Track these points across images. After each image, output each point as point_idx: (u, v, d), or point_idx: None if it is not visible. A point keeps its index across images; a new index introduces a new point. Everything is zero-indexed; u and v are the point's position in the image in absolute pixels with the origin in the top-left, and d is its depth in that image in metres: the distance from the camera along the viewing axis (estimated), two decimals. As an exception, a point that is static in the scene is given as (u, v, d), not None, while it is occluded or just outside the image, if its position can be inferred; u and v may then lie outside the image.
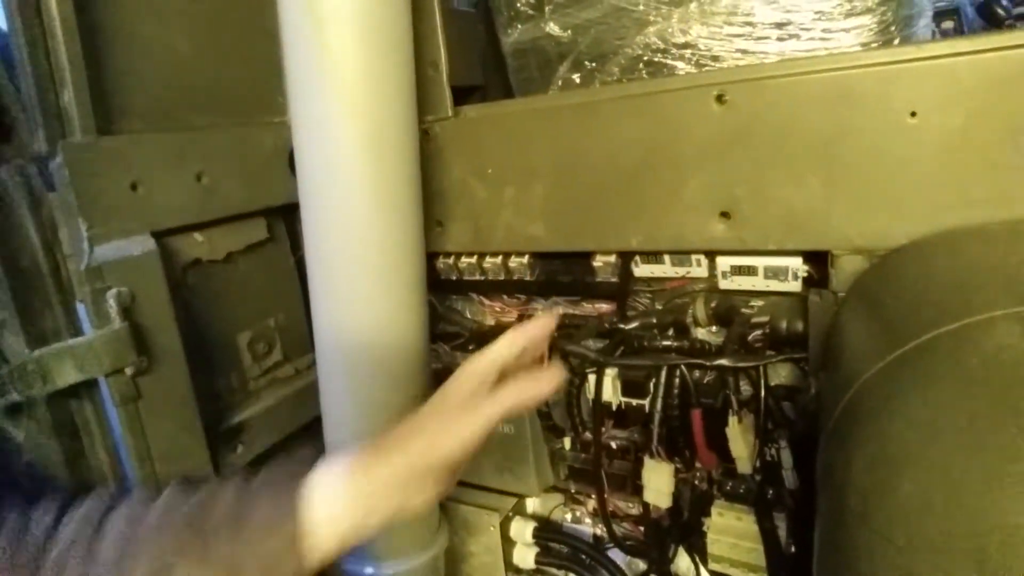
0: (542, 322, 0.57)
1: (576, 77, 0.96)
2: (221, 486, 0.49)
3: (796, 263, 0.63)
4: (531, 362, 0.56)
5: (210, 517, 0.47)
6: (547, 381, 0.51)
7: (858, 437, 0.36)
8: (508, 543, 0.89)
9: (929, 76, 0.53)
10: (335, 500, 0.46)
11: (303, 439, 0.82)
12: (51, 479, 0.57)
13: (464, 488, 0.92)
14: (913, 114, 0.54)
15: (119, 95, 0.64)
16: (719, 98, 0.61)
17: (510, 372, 0.53)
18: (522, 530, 0.88)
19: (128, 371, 0.59)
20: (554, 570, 0.90)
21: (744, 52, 0.88)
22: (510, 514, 0.89)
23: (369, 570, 0.73)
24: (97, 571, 0.45)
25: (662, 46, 0.92)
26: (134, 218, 0.62)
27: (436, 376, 0.82)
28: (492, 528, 0.87)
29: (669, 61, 0.92)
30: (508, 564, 0.90)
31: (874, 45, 0.77)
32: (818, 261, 0.62)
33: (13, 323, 0.56)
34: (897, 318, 0.43)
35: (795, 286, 0.64)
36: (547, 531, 0.88)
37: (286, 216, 0.83)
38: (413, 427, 0.50)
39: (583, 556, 0.85)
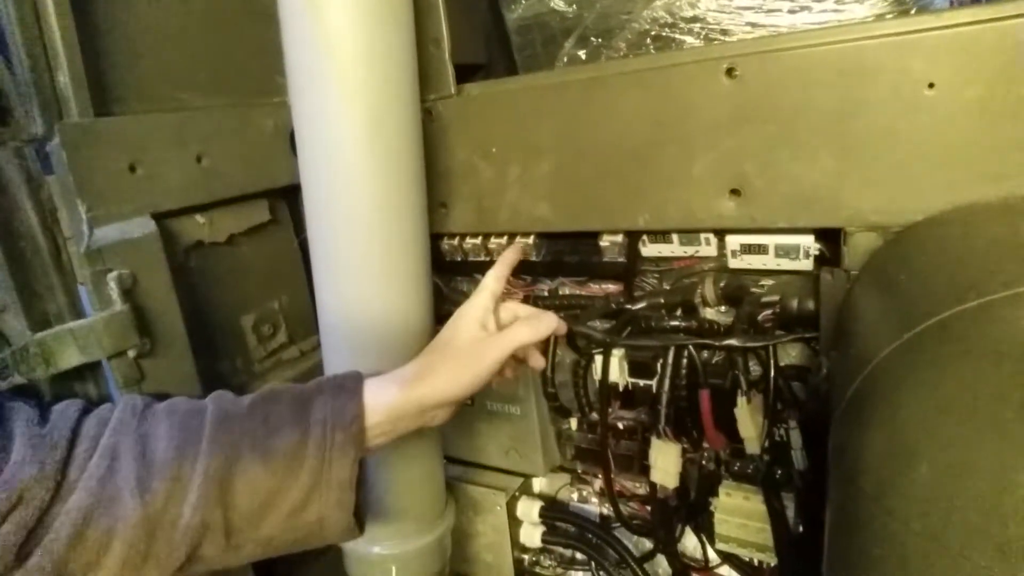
0: (513, 249, 0.69)
1: (582, 53, 0.94)
2: (275, 389, 0.54)
3: (808, 241, 0.62)
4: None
5: (273, 412, 0.51)
6: (546, 320, 0.60)
7: (872, 418, 0.35)
8: (515, 522, 0.89)
9: (948, 46, 0.51)
10: (382, 413, 0.53)
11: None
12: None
13: (471, 468, 0.92)
14: (931, 86, 0.52)
15: (116, 76, 0.63)
16: (729, 72, 0.60)
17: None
18: (529, 509, 0.89)
19: (131, 353, 0.59)
20: (561, 549, 0.91)
21: (754, 25, 0.86)
22: (517, 494, 0.89)
23: (376, 549, 0.73)
24: (155, 455, 0.47)
25: (670, 20, 0.90)
26: (134, 200, 0.61)
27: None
28: (499, 508, 0.88)
29: (677, 35, 0.90)
30: (515, 543, 0.90)
31: (890, 15, 0.75)
32: (830, 239, 0.61)
33: (15, 306, 0.56)
34: (913, 296, 0.42)
35: (807, 264, 0.63)
36: (554, 511, 0.88)
37: (289, 197, 0.82)
38: (429, 365, 0.57)
39: (589, 535, 0.85)
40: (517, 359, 0.64)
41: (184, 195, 0.67)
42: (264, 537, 0.49)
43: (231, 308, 0.76)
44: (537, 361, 0.66)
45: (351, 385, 0.53)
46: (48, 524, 0.42)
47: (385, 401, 0.53)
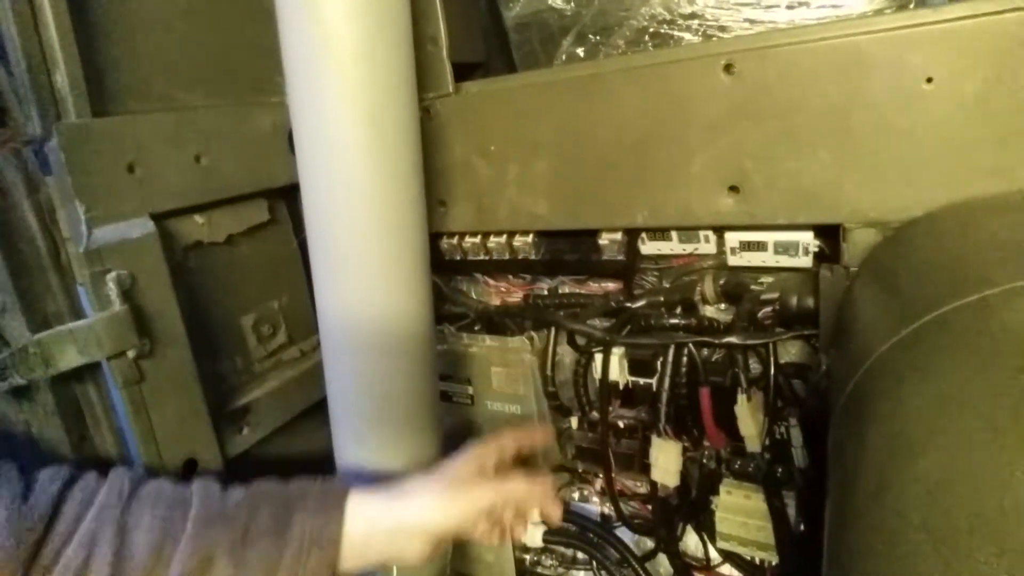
0: (541, 433, 0.65)
1: (580, 51, 0.94)
2: (261, 490, 0.53)
3: (807, 238, 0.61)
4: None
5: (254, 520, 0.50)
6: (539, 489, 0.58)
7: (872, 414, 0.34)
8: (516, 522, 0.89)
9: (946, 40, 0.51)
10: (361, 528, 0.52)
11: (309, 421, 0.82)
12: (56, 460, 0.56)
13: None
14: (929, 80, 0.52)
15: (114, 76, 0.63)
16: (727, 68, 0.59)
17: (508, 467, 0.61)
18: (530, 510, 0.88)
19: (130, 354, 0.59)
20: (562, 548, 0.91)
21: (752, 22, 0.86)
22: (518, 494, 0.89)
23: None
24: (133, 549, 0.47)
25: (668, 17, 0.90)
26: (132, 200, 0.61)
27: (441, 357, 0.81)
28: (500, 508, 0.87)
29: (675, 32, 0.90)
30: (516, 543, 0.90)
31: (888, 10, 0.74)
32: (829, 235, 0.61)
33: (14, 307, 0.56)
34: (912, 291, 0.42)
35: (806, 261, 0.63)
36: (555, 510, 0.88)
37: (288, 197, 0.82)
38: (418, 487, 0.56)
39: (591, 535, 0.85)
40: (501, 526, 0.61)
41: (183, 195, 0.67)
42: None
43: (231, 308, 0.76)
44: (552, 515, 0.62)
45: (335, 500, 0.53)
46: None
47: (365, 515, 0.53)
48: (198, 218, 0.70)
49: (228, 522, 0.50)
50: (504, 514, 0.59)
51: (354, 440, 0.69)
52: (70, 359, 0.56)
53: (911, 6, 0.66)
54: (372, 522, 0.52)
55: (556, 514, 0.61)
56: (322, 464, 0.70)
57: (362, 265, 0.65)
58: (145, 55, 0.66)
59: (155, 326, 0.62)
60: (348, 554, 0.51)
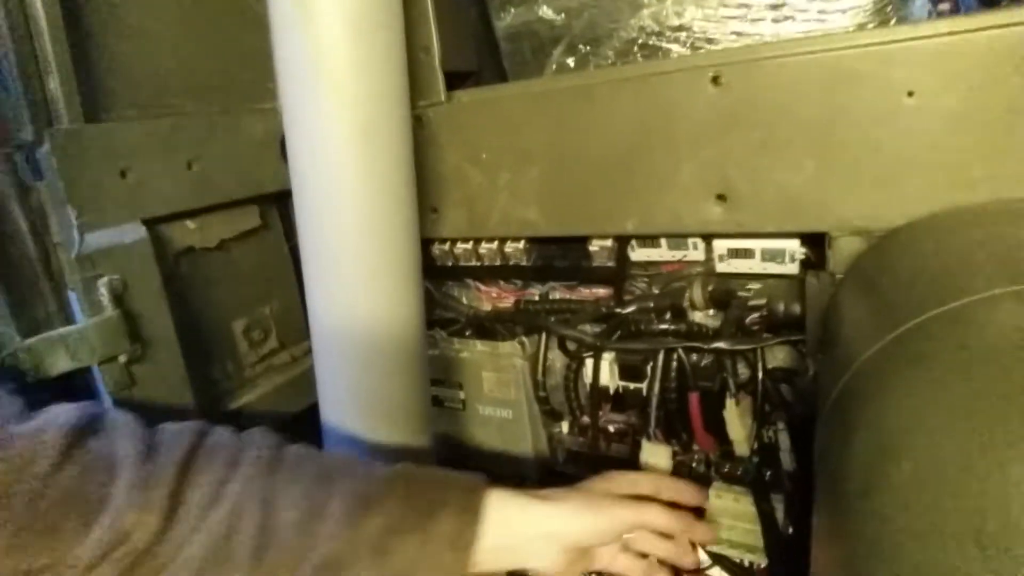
0: (695, 493, 0.62)
1: (570, 61, 0.95)
2: (404, 476, 0.50)
3: (794, 245, 0.63)
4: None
5: (399, 515, 0.47)
6: (683, 523, 0.59)
7: (856, 418, 0.35)
8: (506, 528, 0.89)
9: (927, 55, 0.52)
10: (498, 537, 0.49)
11: (300, 426, 0.82)
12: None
13: (462, 473, 0.92)
14: (910, 94, 0.53)
15: (106, 82, 0.63)
16: (714, 80, 0.61)
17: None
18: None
19: (121, 359, 0.59)
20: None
21: (739, 34, 0.87)
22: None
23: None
24: (278, 526, 0.44)
25: (657, 28, 0.91)
26: (124, 206, 0.61)
27: (432, 362, 0.82)
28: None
29: (664, 44, 0.92)
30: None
31: (871, 25, 0.76)
32: (815, 243, 0.62)
33: (4, 312, 0.55)
34: (895, 298, 0.43)
35: (792, 268, 0.64)
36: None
37: (279, 203, 0.83)
38: (558, 494, 0.54)
39: (581, 539, 0.85)
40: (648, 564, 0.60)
41: (175, 201, 0.67)
42: None
43: (222, 313, 0.76)
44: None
45: (475, 500, 0.50)
46: (154, 569, 0.41)
47: (503, 517, 0.50)
48: (190, 224, 0.70)
49: (374, 513, 0.47)
50: (648, 545, 0.59)
51: (346, 445, 0.69)
52: (61, 364, 0.56)
53: (892, 22, 0.68)
54: (508, 526, 0.50)
55: (709, 537, 0.61)
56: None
57: (354, 270, 0.65)
58: (137, 61, 0.66)
59: (146, 331, 0.62)
60: (481, 558, 0.49)
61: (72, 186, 0.57)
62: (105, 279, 0.58)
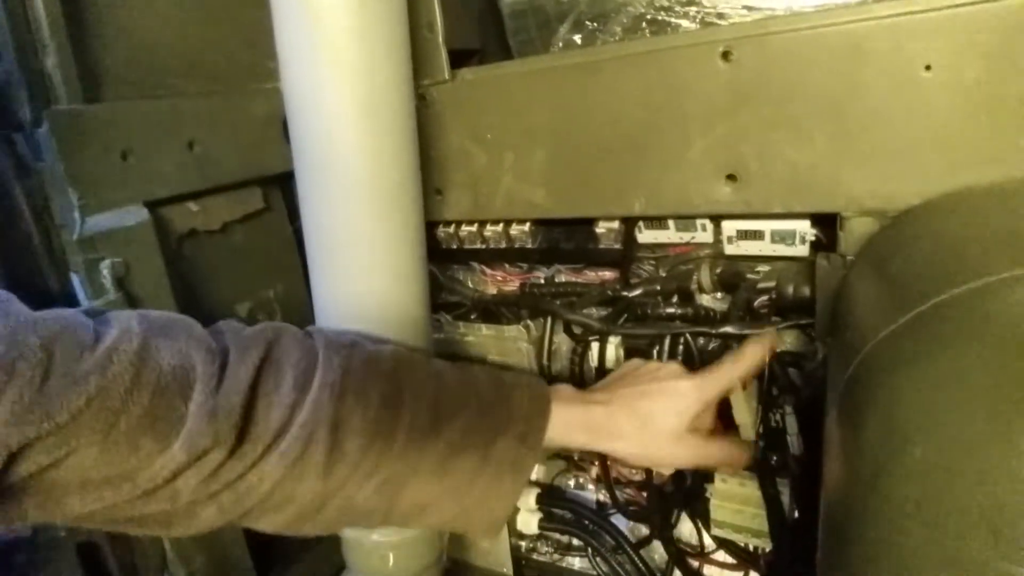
0: (764, 343, 0.61)
1: (577, 38, 0.93)
2: (465, 398, 0.54)
3: (804, 226, 0.61)
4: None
5: (459, 440, 0.52)
6: (739, 460, 0.62)
7: (867, 402, 0.35)
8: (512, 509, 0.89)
9: (946, 26, 0.50)
10: (557, 448, 0.59)
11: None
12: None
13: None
14: (928, 68, 0.51)
15: (106, 62, 0.62)
16: (725, 55, 0.59)
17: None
18: (525, 496, 0.89)
19: (125, 343, 0.59)
20: (558, 535, 0.91)
21: (750, 9, 0.85)
22: (514, 481, 0.89)
23: (374, 536, 0.73)
24: (345, 448, 0.48)
25: (666, 3, 0.89)
26: (126, 187, 0.61)
27: (437, 346, 0.81)
28: (496, 495, 0.88)
29: (673, 19, 0.89)
30: (512, 530, 0.90)
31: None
32: (827, 224, 0.61)
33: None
34: (909, 279, 0.42)
35: (803, 250, 0.63)
36: (550, 497, 0.89)
37: (283, 185, 0.82)
38: (621, 428, 0.58)
39: (586, 522, 0.85)
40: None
41: (177, 182, 0.66)
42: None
43: (226, 296, 0.76)
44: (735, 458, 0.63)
45: (537, 426, 0.55)
46: (234, 485, 0.46)
47: (563, 435, 0.56)
48: (192, 206, 0.70)
49: (438, 436, 0.51)
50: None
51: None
52: (64, 347, 0.56)
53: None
54: (567, 441, 0.56)
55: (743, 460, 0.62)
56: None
57: (358, 253, 0.64)
58: (137, 41, 0.65)
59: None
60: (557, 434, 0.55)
61: (72, 168, 0.56)
62: (107, 262, 0.58)
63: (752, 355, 0.60)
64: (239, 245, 0.77)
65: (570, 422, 0.56)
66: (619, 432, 0.57)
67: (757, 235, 0.64)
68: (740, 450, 0.60)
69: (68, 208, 0.57)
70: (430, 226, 0.80)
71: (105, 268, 0.57)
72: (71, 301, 0.58)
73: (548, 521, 0.88)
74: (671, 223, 0.69)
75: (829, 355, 0.54)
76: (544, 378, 0.80)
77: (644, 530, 0.82)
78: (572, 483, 0.91)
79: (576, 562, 0.92)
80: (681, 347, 0.69)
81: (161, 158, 0.64)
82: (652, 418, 0.57)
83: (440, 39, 0.72)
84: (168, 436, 0.42)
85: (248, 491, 0.46)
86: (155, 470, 0.42)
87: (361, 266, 0.65)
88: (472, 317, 0.86)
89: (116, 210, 0.60)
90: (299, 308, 0.84)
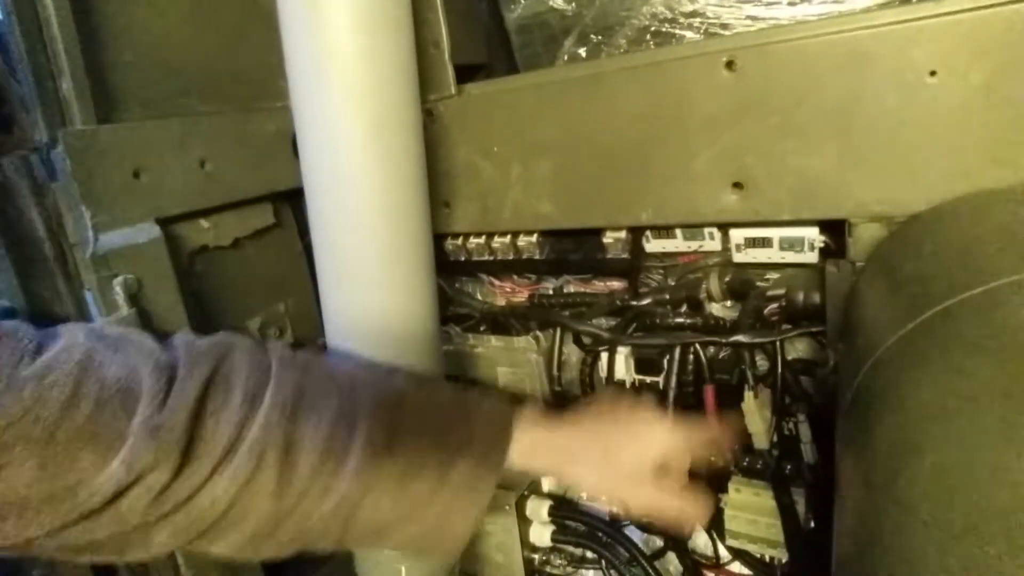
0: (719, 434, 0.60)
1: (582, 51, 0.94)
2: (425, 418, 0.52)
3: (812, 233, 0.61)
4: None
5: (419, 461, 0.50)
6: (699, 513, 0.56)
7: (879, 408, 0.34)
8: (524, 522, 0.89)
9: (950, 32, 0.50)
10: (517, 473, 0.53)
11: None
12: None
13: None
14: (933, 73, 0.51)
15: (119, 83, 0.64)
16: (729, 65, 0.59)
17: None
18: (538, 508, 0.88)
19: (138, 358, 0.59)
20: (571, 548, 0.90)
21: (754, 19, 0.85)
22: (525, 493, 0.89)
23: (387, 550, 0.73)
24: (298, 468, 0.46)
25: (669, 15, 0.89)
26: (138, 205, 0.62)
27: (447, 358, 0.81)
28: (508, 507, 0.87)
29: (677, 31, 0.90)
30: (525, 542, 0.89)
31: (893, 4, 0.74)
32: (835, 231, 0.61)
33: (22, 311, 0.56)
34: (918, 284, 0.42)
35: (811, 257, 0.63)
36: (563, 509, 0.88)
37: (292, 201, 0.83)
38: (586, 457, 0.55)
39: (600, 534, 0.85)
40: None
41: (188, 200, 0.67)
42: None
43: (237, 312, 0.76)
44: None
45: (497, 454, 0.52)
46: (184, 506, 0.43)
47: (525, 460, 0.53)
48: (203, 222, 0.70)
49: (395, 456, 0.49)
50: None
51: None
52: (78, 363, 0.57)
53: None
54: (530, 464, 0.54)
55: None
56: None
57: (367, 267, 0.65)
58: (149, 62, 0.66)
59: (162, 330, 0.62)
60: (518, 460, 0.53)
61: (86, 186, 0.57)
62: (120, 278, 0.58)
63: (722, 438, 0.61)
64: (250, 260, 0.77)
65: (534, 444, 0.53)
66: (582, 458, 0.55)
67: (765, 243, 0.64)
68: (698, 511, 0.56)
69: (82, 226, 0.58)
70: (438, 238, 0.80)
71: (118, 284, 0.58)
72: (85, 318, 0.59)
73: (561, 533, 0.88)
74: (679, 232, 0.70)
75: (840, 362, 0.53)
76: (553, 389, 0.80)
77: (659, 542, 0.82)
78: (585, 495, 0.90)
79: (590, 575, 0.91)
80: (691, 356, 0.69)
81: (173, 176, 0.65)
82: (617, 452, 0.55)
83: (446, 56, 0.73)
84: (108, 451, 0.40)
85: (200, 513, 0.44)
86: (95, 487, 0.40)
87: (370, 280, 0.65)
88: (481, 329, 0.87)
89: (129, 227, 0.61)
90: (309, 322, 0.85)
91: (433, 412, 0.52)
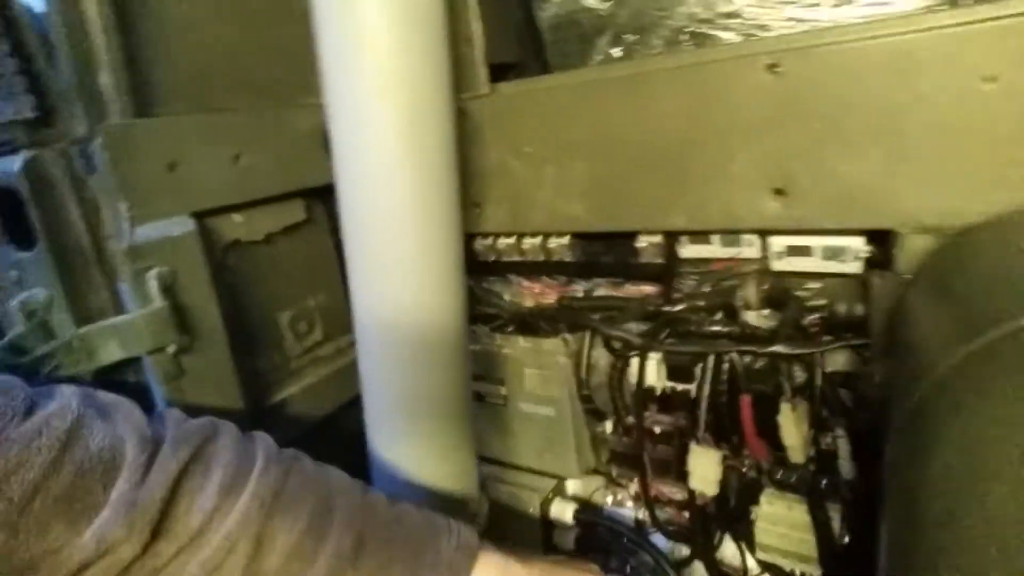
0: None
1: (616, 51, 0.92)
2: (393, 534, 0.51)
3: (858, 243, 0.59)
4: None
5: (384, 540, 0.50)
6: None
7: (937, 432, 0.33)
8: (548, 524, 0.88)
9: (1009, 36, 0.48)
10: (488, 571, 0.53)
11: (344, 417, 0.82)
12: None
13: (504, 468, 0.92)
14: (990, 79, 0.49)
15: (156, 78, 0.64)
16: (771, 68, 0.58)
17: None
18: (562, 511, 0.87)
19: (170, 349, 0.60)
20: (594, 553, 0.89)
21: (795, 21, 0.83)
22: (550, 495, 0.88)
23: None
24: (266, 564, 0.45)
25: (706, 16, 0.87)
26: (173, 199, 0.62)
27: (474, 358, 0.81)
28: (532, 508, 0.87)
29: (714, 32, 0.88)
30: (548, 545, 0.89)
31: (942, 7, 0.71)
32: (881, 241, 0.59)
33: (61, 302, 0.57)
34: (977, 303, 0.40)
35: (855, 268, 0.61)
36: (588, 513, 0.87)
37: (324, 197, 0.83)
38: None
39: (625, 540, 0.84)
40: None
41: (222, 194, 0.67)
42: None
43: (268, 305, 0.77)
44: None
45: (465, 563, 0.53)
46: None
47: None
48: (237, 217, 0.71)
49: (358, 569, 0.48)
50: None
51: (388, 437, 0.69)
52: (112, 353, 0.57)
53: (970, 2, 0.63)
54: None
55: None
56: (356, 461, 0.70)
57: (397, 264, 0.65)
58: (185, 57, 0.67)
59: (195, 322, 0.62)
60: None
61: (123, 179, 0.58)
62: (154, 271, 0.59)
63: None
64: (281, 255, 0.78)
65: (494, 573, 0.54)
66: None
67: (807, 251, 0.62)
68: None
69: (118, 219, 0.58)
70: (468, 238, 0.80)
71: (152, 277, 0.59)
72: (120, 310, 0.59)
73: (585, 538, 0.87)
74: (716, 237, 0.68)
75: (887, 378, 0.51)
76: (582, 393, 0.79)
77: (685, 550, 0.80)
78: (610, 500, 0.89)
79: (612, 581, 0.90)
80: (726, 364, 0.67)
81: (207, 170, 0.66)
82: None
83: (479, 53, 0.72)
84: (80, 522, 0.40)
85: None
86: (61, 559, 0.39)
87: (399, 276, 0.65)
88: (509, 329, 0.86)
89: (163, 220, 0.61)
90: (339, 318, 0.85)
91: (401, 530, 0.52)
